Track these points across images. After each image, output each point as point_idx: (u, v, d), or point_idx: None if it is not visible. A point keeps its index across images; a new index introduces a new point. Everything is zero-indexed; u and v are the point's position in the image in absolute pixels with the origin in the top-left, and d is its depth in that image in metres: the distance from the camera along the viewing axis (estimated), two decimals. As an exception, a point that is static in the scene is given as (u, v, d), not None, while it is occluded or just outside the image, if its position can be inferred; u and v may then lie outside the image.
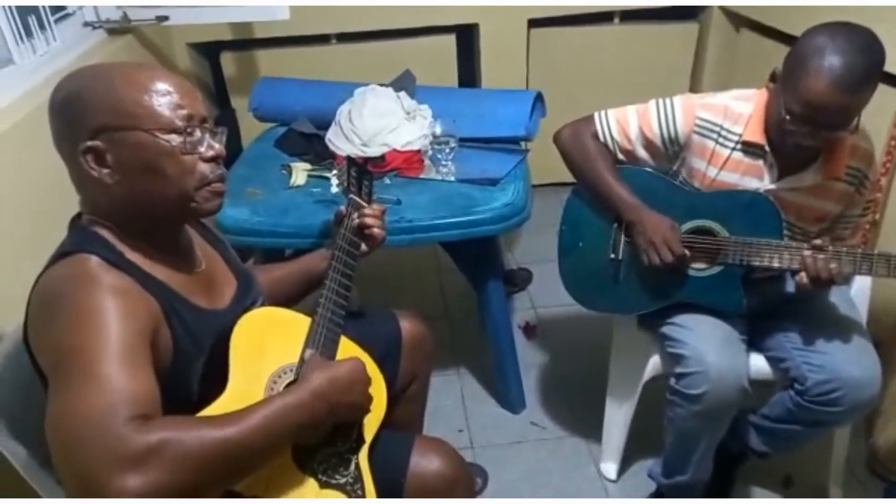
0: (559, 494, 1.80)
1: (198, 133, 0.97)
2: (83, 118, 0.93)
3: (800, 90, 1.26)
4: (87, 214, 0.99)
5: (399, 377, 1.43)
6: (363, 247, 1.34)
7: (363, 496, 1.05)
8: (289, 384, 1.05)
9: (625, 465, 1.85)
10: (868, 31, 1.26)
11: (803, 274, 1.37)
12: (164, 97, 0.94)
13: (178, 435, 0.81)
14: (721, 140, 1.45)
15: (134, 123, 0.93)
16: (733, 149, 1.45)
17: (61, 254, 0.94)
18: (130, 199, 0.96)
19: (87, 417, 0.79)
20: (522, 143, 2.06)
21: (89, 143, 0.93)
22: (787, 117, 1.29)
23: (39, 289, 0.93)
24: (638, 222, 1.50)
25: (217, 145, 1.00)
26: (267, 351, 1.07)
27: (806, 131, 1.29)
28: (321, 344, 1.11)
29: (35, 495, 1.07)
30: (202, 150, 0.98)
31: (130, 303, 0.89)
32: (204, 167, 0.98)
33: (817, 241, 1.38)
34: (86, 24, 2.17)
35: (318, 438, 1.07)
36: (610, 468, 1.84)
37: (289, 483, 1.00)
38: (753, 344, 1.55)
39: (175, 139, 0.95)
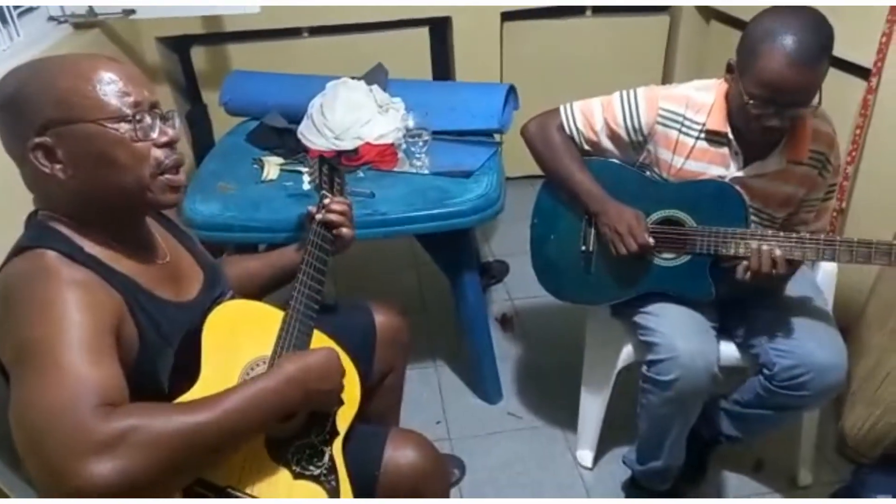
0: (536, 483, 1.82)
1: (147, 119, 0.95)
2: (27, 115, 0.91)
3: (756, 72, 1.29)
4: (42, 211, 0.98)
5: (374, 369, 1.43)
6: (333, 247, 1.32)
7: (337, 487, 1.05)
8: (261, 376, 1.04)
9: (600, 452, 1.87)
10: (813, 9, 1.29)
11: (745, 264, 1.39)
12: (108, 86, 0.92)
13: (146, 420, 0.80)
14: (684, 130, 1.47)
15: (80, 115, 0.91)
16: (697, 138, 1.46)
17: (18, 250, 0.93)
18: (86, 192, 0.94)
19: (52, 408, 0.78)
20: (496, 136, 2.06)
21: (37, 140, 0.91)
22: (750, 101, 1.31)
23: None
24: (602, 213, 1.51)
25: (170, 130, 0.98)
26: (239, 343, 1.07)
27: (770, 112, 1.31)
28: (294, 337, 1.10)
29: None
30: (154, 135, 0.96)
31: (91, 295, 0.88)
32: (158, 153, 0.97)
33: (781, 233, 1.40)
34: (50, 18, 2.13)
35: (292, 429, 1.06)
36: (585, 456, 1.86)
37: (262, 473, 1.00)
38: (724, 331, 1.58)
39: (124, 127, 0.93)
